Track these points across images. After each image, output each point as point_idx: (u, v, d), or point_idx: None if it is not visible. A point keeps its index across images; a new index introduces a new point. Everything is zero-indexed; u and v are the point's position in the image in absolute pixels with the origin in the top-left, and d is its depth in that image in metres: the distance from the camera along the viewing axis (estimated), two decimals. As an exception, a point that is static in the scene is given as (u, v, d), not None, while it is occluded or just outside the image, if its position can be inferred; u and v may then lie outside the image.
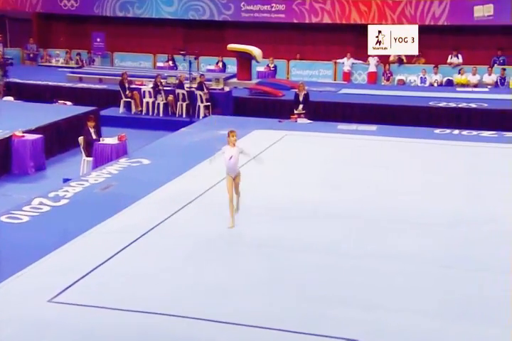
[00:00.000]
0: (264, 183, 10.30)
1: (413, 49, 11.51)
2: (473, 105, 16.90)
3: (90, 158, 11.93)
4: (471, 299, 6.60)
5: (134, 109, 17.67)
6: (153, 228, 8.29)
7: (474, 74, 20.80)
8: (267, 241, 7.95)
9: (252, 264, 7.30)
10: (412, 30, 11.45)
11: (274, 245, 7.85)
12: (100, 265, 7.12)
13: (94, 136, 12.16)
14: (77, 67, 23.07)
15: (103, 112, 16.55)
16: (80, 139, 12.16)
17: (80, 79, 20.60)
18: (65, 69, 22.31)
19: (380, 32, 11.33)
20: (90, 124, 12.20)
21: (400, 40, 11.22)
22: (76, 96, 18.89)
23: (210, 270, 7.13)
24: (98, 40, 24.48)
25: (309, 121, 15.24)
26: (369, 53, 17.59)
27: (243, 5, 23.21)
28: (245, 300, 6.50)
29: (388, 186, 10.33)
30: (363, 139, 13.60)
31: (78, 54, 24.21)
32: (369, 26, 11.87)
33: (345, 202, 9.46)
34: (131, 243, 7.76)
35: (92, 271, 6.98)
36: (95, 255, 7.40)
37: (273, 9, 23.06)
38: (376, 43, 11.28)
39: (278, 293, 6.66)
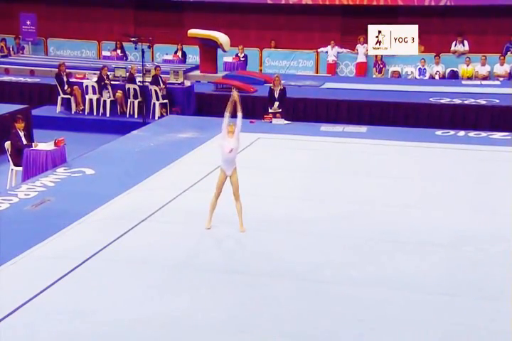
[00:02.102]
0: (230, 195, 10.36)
1: (413, 49, 13.20)
2: (482, 101, 17.14)
3: (20, 168, 11.84)
4: (479, 333, 6.68)
5: (74, 108, 17.59)
6: (97, 252, 8.25)
7: (483, 65, 21.12)
8: (236, 266, 7.97)
9: (218, 294, 7.31)
10: (412, 30, 13.02)
11: (244, 270, 7.87)
12: (30, 300, 7.04)
13: (24, 141, 12.08)
14: (2, 57, 22.89)
15: (35, 111, 16.44)
16: (7, 144, 12.07)
17: (6, 71, 20.44)
18: (-13, 59, 22.19)
19: (380, 32, 12.78)
20: (19, 126, 12.12)
21: (400, 40, 12.84)
22: (1, 92, 18.76)
23: (168, 302, 7.12)
24: (28, 23, 24.33)
25: (287, 122, 15.34)
26: (369, 54, 18.46)
27: (206, -18, 23.37)
28: (211, 338, 6.50)
29: (381, 199, 10.43)
30: (350, 143, 13.72)
31: (3, 40, 24.00)
32: (369, 26, 13.25)
33: (329, 218, 9.52)
34: (70, 271, 7.71)
35: (20, 307, 6.90)
36: (24, 287, 7.32)
37: (242, -13, 23.22)
38: (376, 43, 12.48)
39: (250, 327, 6.68)
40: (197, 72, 20.32)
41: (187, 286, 7.48)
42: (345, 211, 9.84)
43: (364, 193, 10.66)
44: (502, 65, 20.99)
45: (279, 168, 11.96)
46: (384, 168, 12.06)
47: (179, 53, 23.05)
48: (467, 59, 21.40)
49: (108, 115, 17.36)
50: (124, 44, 23.16)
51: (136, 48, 17.65)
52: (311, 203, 10.20)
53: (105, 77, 17.51)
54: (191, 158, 12.58)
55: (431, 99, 17.37)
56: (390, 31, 12.89)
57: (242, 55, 22.59)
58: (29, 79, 19.59)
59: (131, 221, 9.26)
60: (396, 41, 12.77)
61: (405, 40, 12.84)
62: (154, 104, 17.18)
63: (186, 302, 7.10)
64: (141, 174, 11.36)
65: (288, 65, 23.25)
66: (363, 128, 15.00)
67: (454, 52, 22.05)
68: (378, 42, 12.83)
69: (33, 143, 12.09)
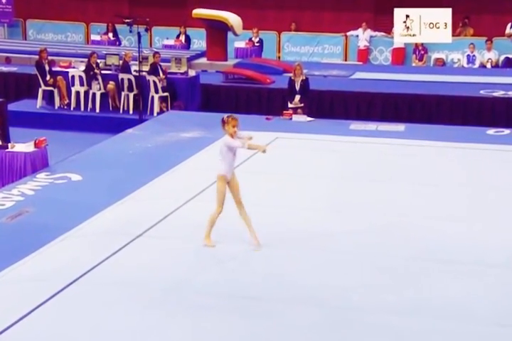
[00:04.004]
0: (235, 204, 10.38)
1: (446, 36, 13.54)
2: (542, 95, 17.15)
3: (-6, 173, 11.93)
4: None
5: (57, 102, 17.68)
6: (84, 274, 8.26)
7: (544, 51, 21.08)
8: (246, 290, 7.98)
9: (226, 324, 7.31)
10: (444, 15, 13.34)
11: (256, 295, 7.87)
12: (5, 330, 7.03)
13: (-1, 142, 12.18)
14: (-26, 42, 23.10)
15: (12, 106, 16.53)
16: (-20, 146, 12.17)
17: (-21, 59, 20.62)
18: (-44, 45, 22.36)
19: (407, 16, 12.87)
20: (-6, 124, 12.22)
21: (431, 25, 13.06)
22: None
23: (166, 333, 7.13)
24: (3, 1, 24.51)
25: (310, 119, 15.36)
26: (395, 41, 18.60)
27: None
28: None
29: (420, 210, 10.42)
30: (385, 143, 13.73)
31: (-25, 22, 24.28)
32: (395, 10, 13.62)
33: (358, 233, 9.51)
34: (52, 297, 7.72)
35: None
36: None
37: (257, -41, 23.31)
38: (404, 29, 12.61)
39: (263, 364, 6.69)
40: (203, 60, 20.41)
41: (188, 314, 7.49)
42: (378, 224, 9.83)
43: (401, 203, 10.66)
44: None
45: (299, 174, 11.98)
46: (425, 174, 12.04)
47: (182, 37, 23.15)
48: (525, 44, 21.36)
49: (98, 110, 17.44)
50: (117, 26, 23.30)
51: (131, 31, 17.71)
52: (336, 215, 10.21)
53: (94, 66, 17.59)
54: (196, 162, 12.61)
55: (482, 92, 17.35)
56: (420, 16, 13.08)
57: (257, 39, 22.65)
58: (4, 68, 19.72)
59: (125, 236, 9.28)
60: (426, 27, 12.92)
61: (437, 25, 12.99)
62: (153, 97, 17.24)
63: (188, 333, 7.11)
64: (136, 181, 11.39)
65: (311, 52, 23.29)
66: (401, 127, 14.99)
67: (510, 35, 21.98)
68: (406, 28, 12.97)
69: (9, 144, 12.16)
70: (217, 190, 8.85)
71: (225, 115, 8.93)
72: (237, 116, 8.91)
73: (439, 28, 13.07)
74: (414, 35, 13.22)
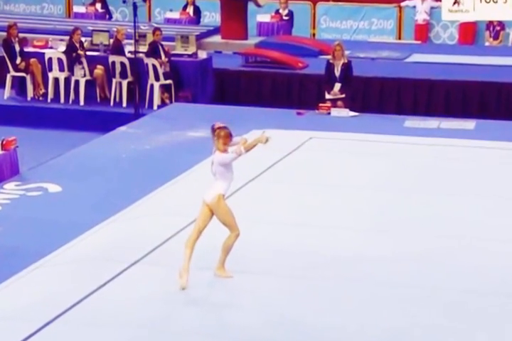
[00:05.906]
0: (266, 224, 10.44)
1: (505, 13, 13.57)
2: None
3: (-49, 183, 12.03)
4: None
5: (31, 92, 17.75)
6: (65, 311, 8.32)
7: None
8: (266, 331, 8.01)
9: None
10: None
11: (279, 337, 7.91)
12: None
13: (-43, 143, 12.28)
14: None
15: (-26, 98, 16.73)
16: None
17: None
18: None
19: None
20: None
21: None
22: None
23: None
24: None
25: (352, 113, 15.37)
26: (443, 18, 18.62)
27: None
28: None
29: (490, 231, 10.41)
30: (450, 145, 13.73)
31: None
32: None
33: (412, 260, 9.52)
34: (25, 339, 7.80)
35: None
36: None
37: None
38: (454, 4, 12.63)
39: None
40: (217, 38, 20.42)
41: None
42: (437, 248, 9.84)
43: (468, 222, 10.65)
44: None
45: (338, 184, 12.01)
46: (500, 184, 12.01)
47: (189, 9, 23.15)
48: None
49: (82, 103, 17.49)
50: (107, -5, 23.41)
51: (124, 2, 17.79)
52: (383, 237, 10.23)
53: (78, 46, 17.64)
54: (206, 169, 12.61)
55: None
56: None
57: (286, 11, 22.64)
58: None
59: (114, 264, 9.32)
60: (482, 1, 12.89)
61: None
62: (152, 86, 17.29)
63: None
64: (130, 193, 11.45)
65: (355, 28, 23.28)
66: (470, 124, 14.98)
67: None
68: (457, 2, 12.98)
69: (-30, 146, 12.28)
70: (221, 213, 8.89)
71: (217, 124, 8.90)
72: (230, 131, 8.85)
73: (496, 2, 13.04)
74: (466, 10, 13.20)
